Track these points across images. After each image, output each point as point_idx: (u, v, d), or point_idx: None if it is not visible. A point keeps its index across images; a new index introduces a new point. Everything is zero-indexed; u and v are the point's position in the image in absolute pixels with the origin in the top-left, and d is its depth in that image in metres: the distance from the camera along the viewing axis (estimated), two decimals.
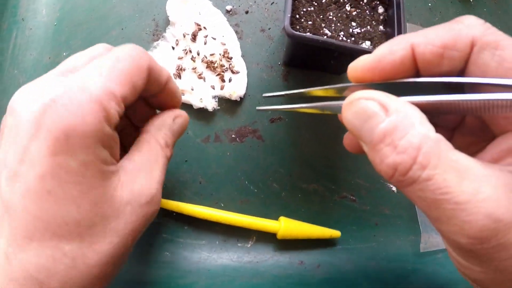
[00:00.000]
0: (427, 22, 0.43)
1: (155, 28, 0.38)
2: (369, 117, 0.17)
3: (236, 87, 0.37)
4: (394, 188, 0.39)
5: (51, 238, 0.18)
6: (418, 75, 0.20)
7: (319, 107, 0.21)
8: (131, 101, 0.20)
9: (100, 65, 0.19)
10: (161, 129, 0.24)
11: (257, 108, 0.26)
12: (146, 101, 0.26)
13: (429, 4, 0.44)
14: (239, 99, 0.37)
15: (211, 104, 0.36)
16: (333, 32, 0.33)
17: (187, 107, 0.36)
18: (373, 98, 0.17)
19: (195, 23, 0.36)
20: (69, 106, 0.17)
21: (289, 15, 0.30)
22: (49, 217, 0.18)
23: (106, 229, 0.19)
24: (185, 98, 0.36)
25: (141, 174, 0.21)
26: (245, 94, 0.37)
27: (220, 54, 0.37)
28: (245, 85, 0.37)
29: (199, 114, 0.37)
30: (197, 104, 0.36)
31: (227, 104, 0.37)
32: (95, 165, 0.18)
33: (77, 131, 0.17)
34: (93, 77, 0.18)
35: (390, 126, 0.16)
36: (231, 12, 0.39)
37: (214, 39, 0.37)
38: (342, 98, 0.20)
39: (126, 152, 0.23)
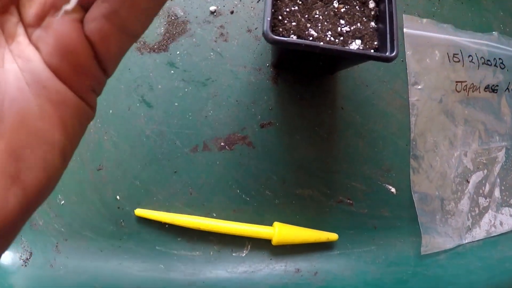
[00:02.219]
0: (425, 12, 0.41)
1: None
2: None
3: None
4: (393, 190, 0.38)
5: None
6: None
7: None
8: None
9: None
10: None
11: None
12: None
13: None
14: None
15: None
16: (320, 32, 0.31)
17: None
18: None
19: None
20: None
21: (268, 19, 0.28)
22: None
23: None
24: None
25: None
26: (232, 100, 0.36)
27: None
28: None
29: (185, 122, 0.36)
30: None
31: (215, 112, 0.36)
32: None
33: None
34: None
35: None
36: (215, 13, 0.37)
37: None
38: None
39: None
